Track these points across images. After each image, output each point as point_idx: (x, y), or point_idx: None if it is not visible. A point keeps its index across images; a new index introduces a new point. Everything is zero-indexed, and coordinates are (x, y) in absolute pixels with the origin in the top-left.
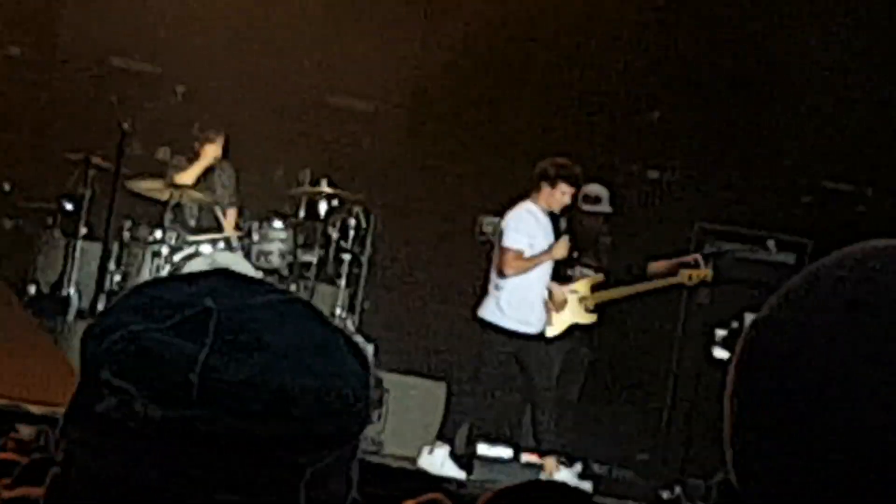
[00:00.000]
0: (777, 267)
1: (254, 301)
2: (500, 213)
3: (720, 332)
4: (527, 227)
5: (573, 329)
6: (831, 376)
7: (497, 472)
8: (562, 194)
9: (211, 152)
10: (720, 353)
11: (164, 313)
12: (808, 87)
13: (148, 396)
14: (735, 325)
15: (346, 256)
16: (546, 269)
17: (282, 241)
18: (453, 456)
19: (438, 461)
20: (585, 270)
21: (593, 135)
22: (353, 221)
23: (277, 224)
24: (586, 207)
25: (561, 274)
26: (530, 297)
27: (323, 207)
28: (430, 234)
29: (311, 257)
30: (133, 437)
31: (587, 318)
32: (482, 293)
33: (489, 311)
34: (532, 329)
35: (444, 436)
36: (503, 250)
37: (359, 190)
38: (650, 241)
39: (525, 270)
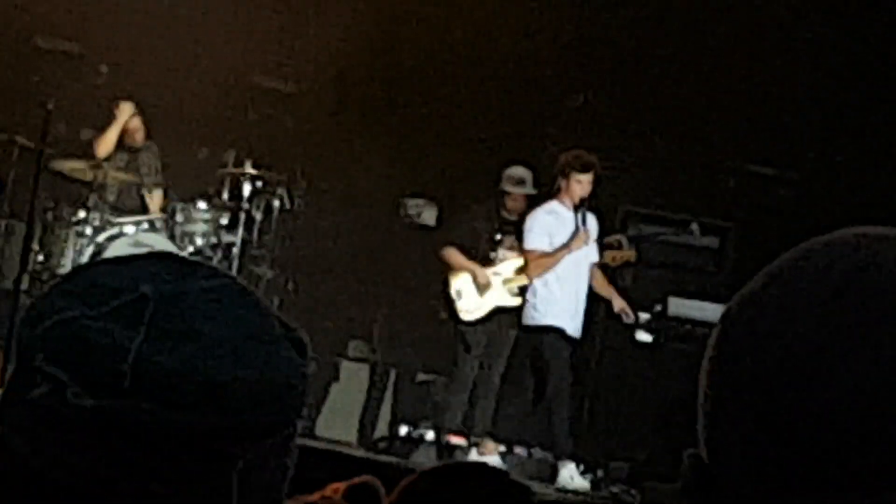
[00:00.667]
0: (700, 250)
1: (191, 287)
2: (424, 195)
3: (643, 316)
4: (545, 226)
5: (497, 312)
6: (811, 360)
7: (421, 455)
8: (577, 184)
9: (125, 113)
10: (643, 336)
11: (100, 299)
12: (732, 70)
13: (80, 384)
14: (658, 308)
15: (270, 238)
16: (578, 266)
17: (205, 221)
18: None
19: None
20: (509, 253)
21: (517, 117)
22: (276, 202)
23: (201, 205)
24: (510, 189)
25: (485, 257)
26: (565, 296)
27: (247, 188)
28: (353, 215)
29: (235, 238)
30: (65, 424)
31: (511, 301)
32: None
33: (529, 316)
34: (570, 329)
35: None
36: (525, 254)
37: (283, 171)
38: None
39: (548, 268)
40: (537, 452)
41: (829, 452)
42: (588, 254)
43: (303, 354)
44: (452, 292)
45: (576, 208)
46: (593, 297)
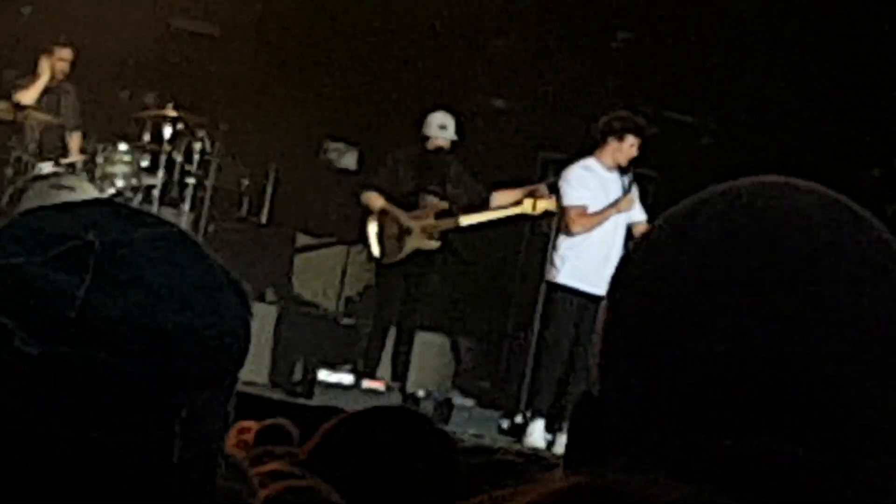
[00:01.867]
0: None
1: (135, 235)
2: (345, 139)
3: None
4: (584, 182)
5: (416, 255)
6: (696, 304)
7: (339, 398)
8: (630, 146)
9: (50, 66)
10: None
11: (44, 245)
12: (653, 19)
13: (25, 331)
14: None
15: (190, 180)
16: (614, 229)
17: (126, 164)
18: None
19: None
20: (430, 198)
21: (439, 63)
22: (197, 145)
23: (122, 147)
24: (432, 134)
25: (406, 201)
26: (600, 258)
27: (168, 131)
28: (275, 158)
29: (155, 181)
30: (9, 371)
31: (431, 245)
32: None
33: (563, 275)
34: (600, 291)
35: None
36: (565, 210)
37: (204, 113)
38: (495, 170)
39: (592, 227)
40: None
41: (708, 396)
42: (629, 216)
43: (245, 304)
44: (372, 235)
45: (623, 170)
46: (511, 248)
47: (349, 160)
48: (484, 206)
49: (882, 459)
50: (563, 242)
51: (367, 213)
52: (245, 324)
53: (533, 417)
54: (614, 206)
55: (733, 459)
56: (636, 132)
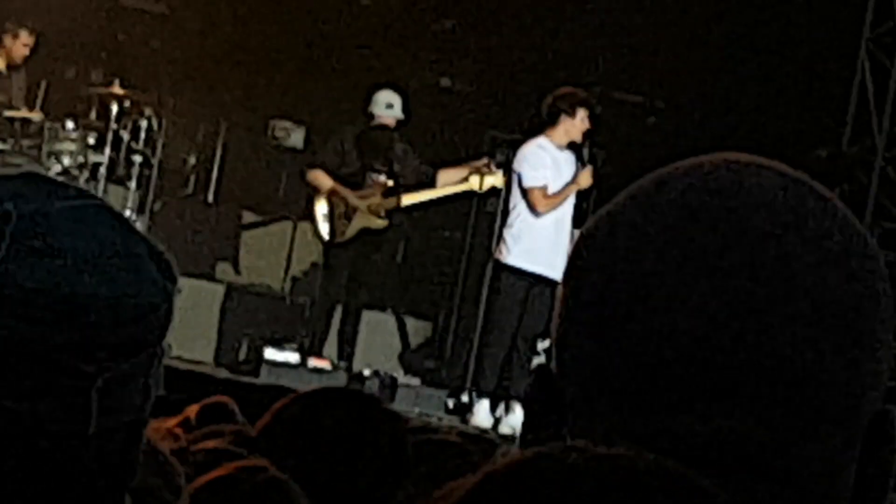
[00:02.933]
0: None
1: (55, 206)
2: (291, 118)
3: None
4: (542, 161)
5: (363, 234)
6: (659, 281)
7: (285, 377)
8: (581, 121)
9: (7, 52)
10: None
11: None
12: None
13: None
14: None
15: (137, 158)
16: (566, 209)
17: (73, 141)
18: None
19: None
20: (377, 176)
21: (386, 41)
22: (144, 123)
23: (69, 125)
24: (378, 113)
25: (352, 180)
26: (553, 238)
27: (114, 109)
28: (221, 136)
29: (102, 158)
30: None
31: (377, 224)
32: (498, 239)
33: (514, 256)
34: (556, 274)
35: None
36: (527, 192)
37: (151, 91)
38: (442, 149)
39: (555, 206)
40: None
41: (667, 374)
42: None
43: (169, 276)
44: (318, 214)
45: (576, 146)
46: (458, 226)
47: (296, 138)
48: (431, 184)
49: (839, 439)
50: (518, 222)
51: (313, 191)
52: (166, 295)
53: (478, 397)
54: (574, 182)
55: (691, 437)
56: (585, 105)
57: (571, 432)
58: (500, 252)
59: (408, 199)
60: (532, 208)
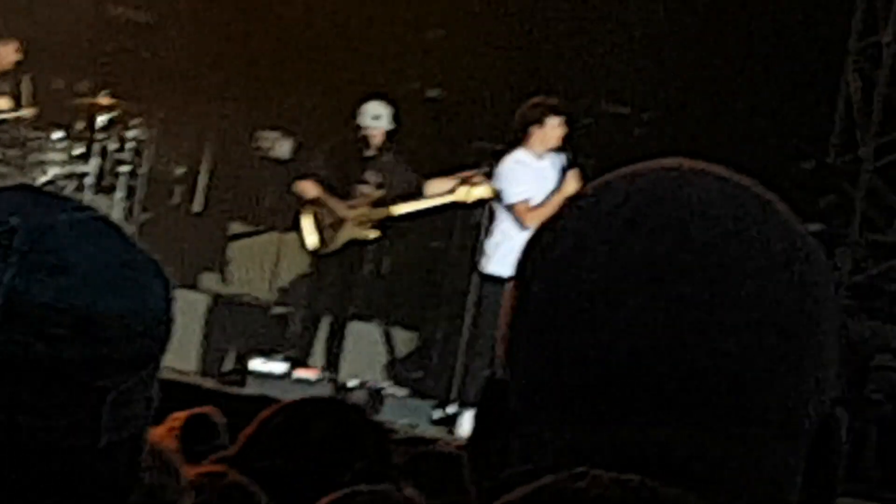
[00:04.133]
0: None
1: (59, 219)
2: (279, 128)
3: None
4: (518, 176)
5: (351, 245)
6: (597, 292)
7: (271, 387)
8: (553, 129)
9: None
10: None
11: None
12: (588, 9)
13: None
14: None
15: (124, 168)
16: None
17: (59, 151)
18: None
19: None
20: (365, 187)
21: (375, 52)
22: (131, 133)
23: (56, 135)
24: (367, 124)
25: (340, 190)
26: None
27: (101, 119)
28: (209, 147)
29: (89, 168)
30: None
31: (365, 235)
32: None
33: (493, 263)
34: None
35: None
36: (512, 208)
37: (138, 102)
38: (429, 159)
39: (544, 217)
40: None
41: (607, 386)
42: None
43: (168, 288)
44: (306, 225)
45: (559, 150)
46: (444, 237)
47: (283, 149)
48: (418, 194)
49: (784, 446)
50: (499, 232)
51: (301, 202)
52: (169, 308)
53: (463, 408)
54: (559, 190)
55: (633, 449)
56: (554, 111)
57: (517, 440)
58: (482, 262)
59: (396, 210)
60: (521, 223)
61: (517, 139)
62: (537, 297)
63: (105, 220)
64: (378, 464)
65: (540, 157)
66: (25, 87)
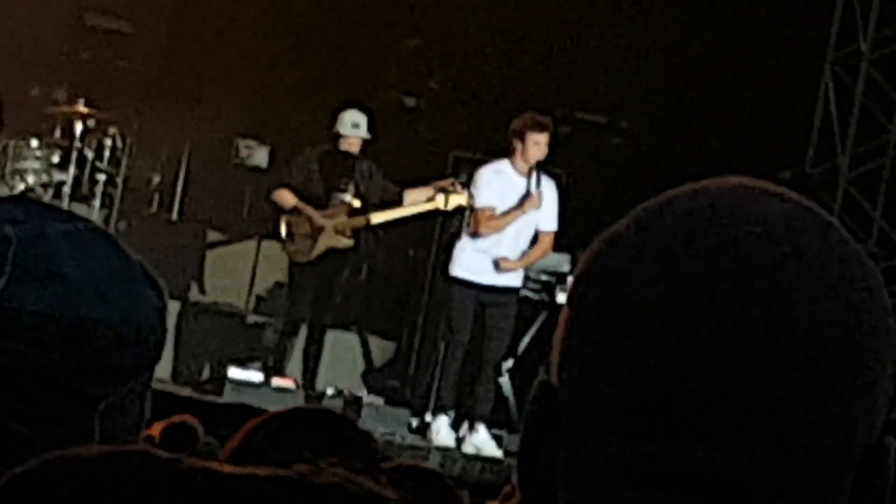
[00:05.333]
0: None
1: (53, 229)
2: (256, 137)
3: None
4: (490, 185)
5: (329, 253)
6: (655, 308)
7: (249, 396)
8: (534, 144)
9: None
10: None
11: None
12: (566, 19)
13: None
14: None
15: (101, 176)
16: (516, 234)
17: (37, 160)
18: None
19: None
20: (342, 196)
21: (351, 60)
22: (108, 141)
23: (33, 143)
24: (344, 132)
25: (318, 199)
26: (501, 252)
27: (79, 127)
28: (186, 155)
29: (66, 177)
30: None
31: (344, 244)
32: (448, 253)
33: (459, 267)
34: (505, 282)
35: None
36: (475, 211)
37: (115, 110)
38: (406, 168)
39: (499, 228)
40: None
41: (659, 402)
42: (537, 220)
43: (160, 297)
44: (284, 234)
45: (530, 171)
46: (422, 246)
47: (260, 157)
48: (396, 203)
49: (829, 472)
50: (465, 236)
51: (279, 210)
52: (161, 317)
53: (436, 414)
54: (519, 207)
55: (678, 466)
56: (537, 128)
57: (566, 450)
58: (450, 266)
59: (374, 219)
60: (475, 229)
61: (496, 149)
62: (592, 308)
63: (99, 231)
64: (366, 473)
65: (522, 174)
66: None
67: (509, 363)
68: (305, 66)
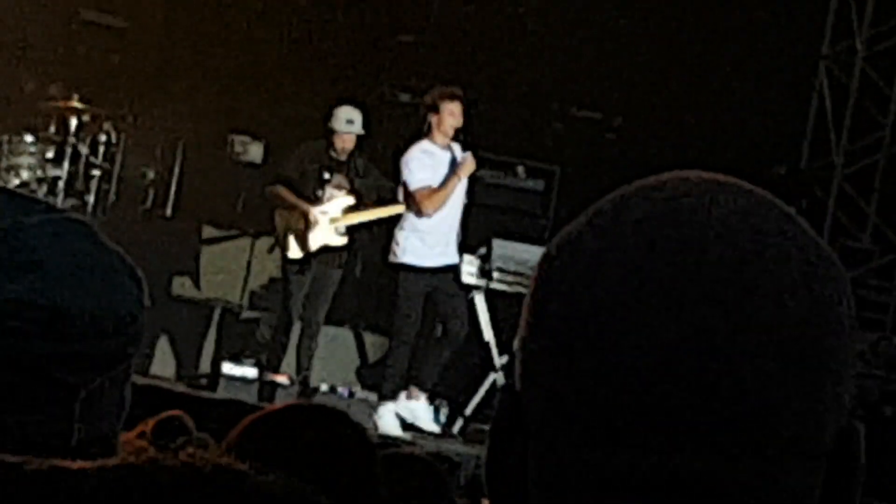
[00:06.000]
0: (525, 193)
1: (30, 220)
2: (251, 132)
3: (468, 257)
4: (423, 164)
5: (323, 251)
6: (617, 313)
7: (243, 392)
8: (450, 115)
9: None
10: (467, 279)
11: None
12: (561, 15)
13: None
14: (483, 250)
15: (96, 172)
16: (456, 203)
17: (31, 155)
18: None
19: None
20: (337, 192)
21: (345, 57)
22: (102, 137)
23: (28, 138)
24: (339, 129)
25: (312, 195)
26: (444, 230)
27: (73, 123)
28: (180, 150)
29: (61, 172)
30: None
31: (338, 240)
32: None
33: (406, 254)
34: (451, 260)
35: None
36: (412, 195)
37: (109, 105)
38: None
39: (441, 202)
40: (360, 392)
41: (625, 409)
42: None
43: (139, 288)
44: (278, 230)
45: (449, 143)
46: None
47: (255, 153)
48: (391, 200)
49: (803, 468)
50: (407, 223)
51: (273, 206)
52: (140, 307)
53: (381, 401)
54: (455, 174)
55: (652, 474)
56: (449, 98)
57: (535, 459)
58: (394, 253)
59: (368, 215)
60: (419, 211)
61: (487, 143)
62: (554, 315)
63: (78, 221)
64: (363, 469)
65: (444, 147)
66: None
67: (504, 359)
68: (300, 62)
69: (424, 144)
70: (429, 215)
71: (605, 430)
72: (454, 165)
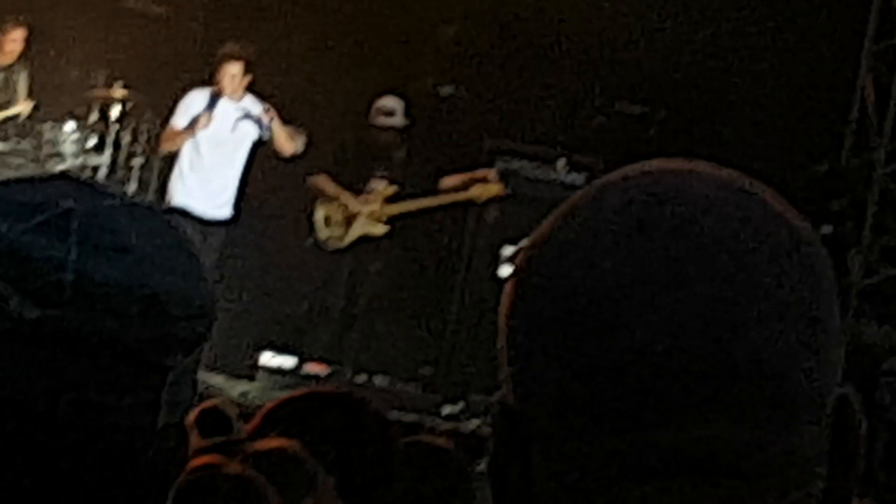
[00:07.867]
0: (566, 187)
1: (106, 203)
2: (293, 123)
3: (507, 251)
4: (186, 107)
5: (363, 240)
6: (618, 299)
7: (280, 382)
8: (226, 76)
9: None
10: (506, 272)
11: (23, 214)
12: (603, 9)
13: (22, 295)
14: (524, 243)
15: (137, 161)
16: (234, 153)
17: (73, 142)
18: None
19: None
20: (378, 182)
21: (388, 48)
22: (145, 126)
23: (69, 126)
24: (380, 120)
25: (353, 186)
26: (218, 180)
27: (115, 111)
28: None
29: (102, 160)
30: (8, 335)
31: (378, 230)
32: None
33: (181, 196)
34: (224, 213)
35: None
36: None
37: (152, 95)
38: (443, 156)
39: (175, 143)
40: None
41: (641, 390)
42: (242, 136)
43: (206, 274)
44: (319, 219)
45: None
46: (457, 234)
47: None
48: (431, 191)
49: (814, 428)
50: (176, 166)
51: (314, 197)
52: (210, 292)
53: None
54: (189, 128)
55: (675, 450)
56: (228, 58)
57: (548, 461)
58: (167, 197)
59: (409, 206)
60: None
61: (529, 137)
62: (544, 314)
63: (147, 205)
64: (381, 455)
65: (234, 99)
66: (22, 82)
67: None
68: (342, 52)
69: (202, 90)
70: (162, 151)
71: (621, 414)
72: (228, 116)
